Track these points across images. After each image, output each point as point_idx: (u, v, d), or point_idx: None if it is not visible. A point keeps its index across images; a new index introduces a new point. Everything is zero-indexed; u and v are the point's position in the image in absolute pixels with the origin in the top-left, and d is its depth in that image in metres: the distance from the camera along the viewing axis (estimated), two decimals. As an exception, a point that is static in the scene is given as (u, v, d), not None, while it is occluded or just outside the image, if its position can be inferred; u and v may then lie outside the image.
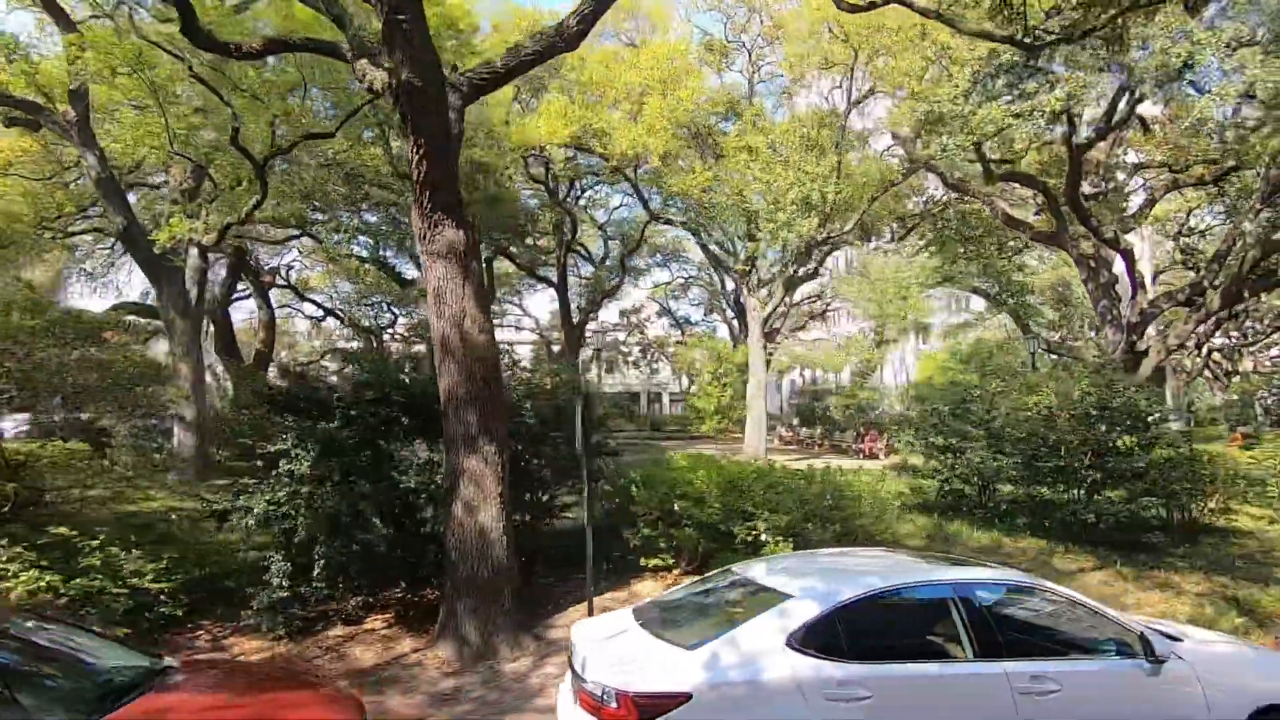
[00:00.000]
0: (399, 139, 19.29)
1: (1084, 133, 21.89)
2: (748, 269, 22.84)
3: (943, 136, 12.23)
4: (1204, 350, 41.23)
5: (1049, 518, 9.09)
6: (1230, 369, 47.18)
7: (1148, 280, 34.88)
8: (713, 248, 25.35)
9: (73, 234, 22.24)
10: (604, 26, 25.62)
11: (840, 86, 23.64)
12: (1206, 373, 49.28)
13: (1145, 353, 20.14)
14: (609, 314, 51.31)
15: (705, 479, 7.36)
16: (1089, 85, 10.24)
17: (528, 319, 51.98)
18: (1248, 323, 44.64)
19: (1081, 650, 3.51)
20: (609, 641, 3.43)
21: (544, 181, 26.71)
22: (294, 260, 37.89)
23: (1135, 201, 29.02)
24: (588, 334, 51.10)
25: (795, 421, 35.13)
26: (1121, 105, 16.14)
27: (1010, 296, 24.47)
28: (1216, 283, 19.47)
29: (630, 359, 54.67)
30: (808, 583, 3.52)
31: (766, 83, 26.32)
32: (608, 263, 32.77)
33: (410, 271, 28.61)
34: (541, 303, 47.56)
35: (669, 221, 25.64)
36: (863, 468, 12.17)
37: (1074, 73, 10.13)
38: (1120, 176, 21.83)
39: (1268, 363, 45.02)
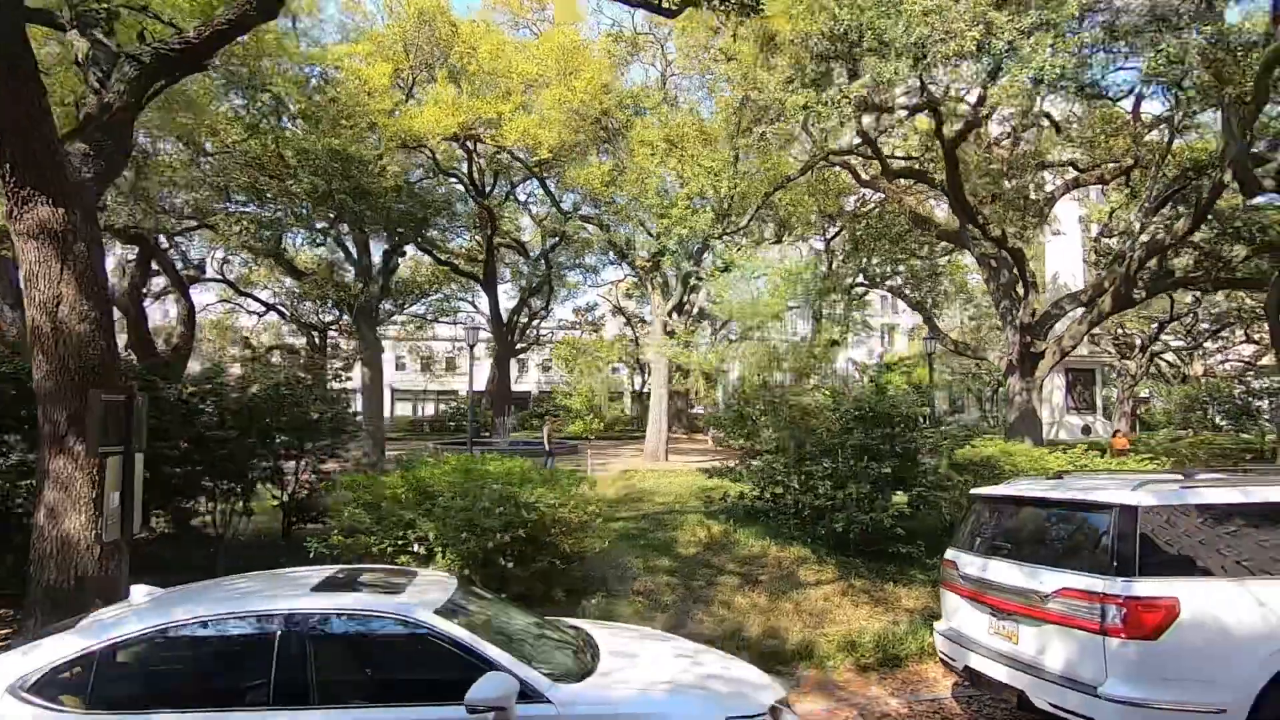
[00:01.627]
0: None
1: (1001, 130, 21.52)
2: (648, 266, 22.33)
3: (760, 124, 11.69)
4: (1147, 353, 40.99)
5: (821, 524, 8.60)
6: (1183, 372, 46.97)
7: (1082, 282, 34.53)
8: (622, 245, 24.82)
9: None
10: (514, 19, 25.08)
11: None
12: (1154, 374, 49.05)
13: (1042, 354, 19.70)
14: (564, 311, 50.65)
15: (395, 483, 6.83)
16: (898, 72, 9.71)
17: (480, 316, 51.27)
18: (1202, 324, 44.52)
19: (424, 697, 2.97)
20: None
21: (459, 174, 26.18)
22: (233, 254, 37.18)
23: (1063, 201, 28.65)
24: (543, 332, 50.45)
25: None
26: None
27: (926, 296, 24.07)
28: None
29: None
30: (115, 613, 2.99)
31: (684, 77, 25.79)
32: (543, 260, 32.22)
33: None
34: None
35: (569, 215, 25.12)
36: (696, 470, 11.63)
37: (879, 59, 9.63)
38: (1028, 176, 21.36)
39: (1224, 366, 44.76)
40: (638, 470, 17.69)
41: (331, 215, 17.71)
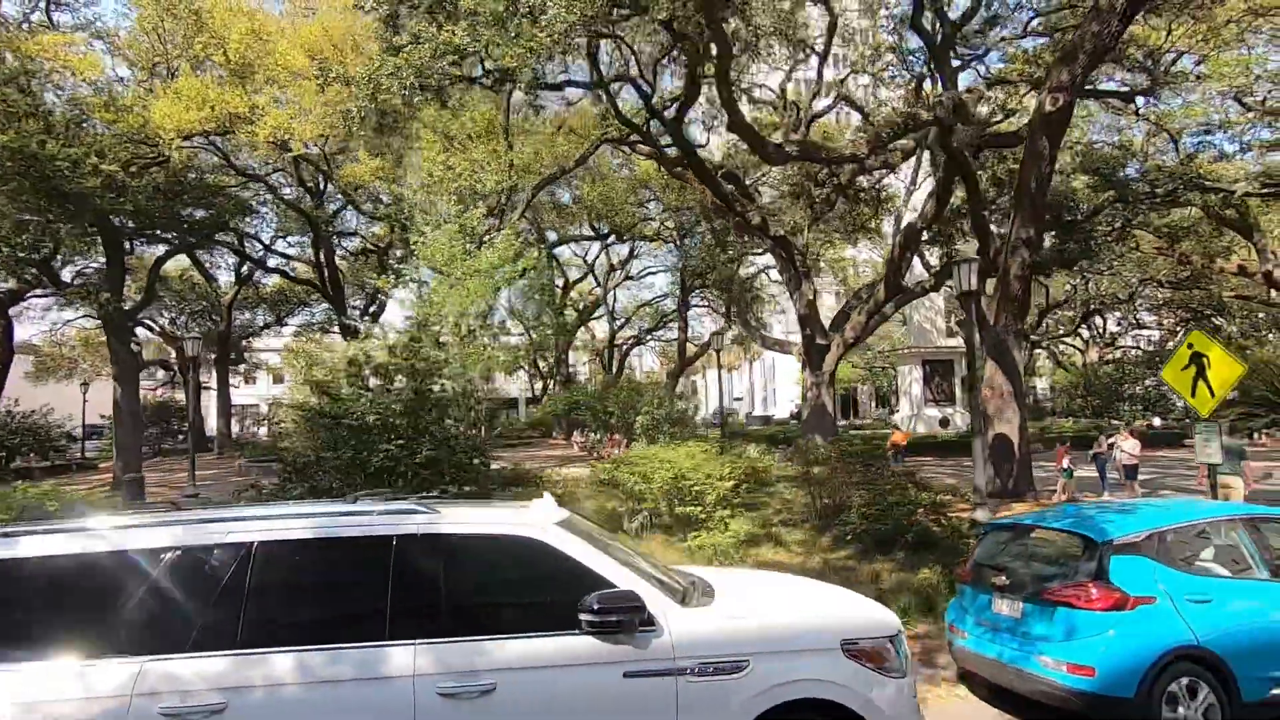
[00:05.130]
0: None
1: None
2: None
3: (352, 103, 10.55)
4: (1028, 342, 40.87)
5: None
6: (1079, 360, 46.94)
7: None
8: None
9: None
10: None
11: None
12: (1062, 363, 48.86)
13: (828, 347, 18.87)
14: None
15: None
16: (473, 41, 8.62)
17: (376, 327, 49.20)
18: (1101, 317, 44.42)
19: None
20: None
21: (253, 175, 24.70)
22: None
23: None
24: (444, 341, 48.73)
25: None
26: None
27: (739, 293, 23.23)
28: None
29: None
30: None
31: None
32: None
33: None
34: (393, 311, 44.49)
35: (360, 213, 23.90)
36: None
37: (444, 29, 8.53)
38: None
39: (1136, 352, 44.61)
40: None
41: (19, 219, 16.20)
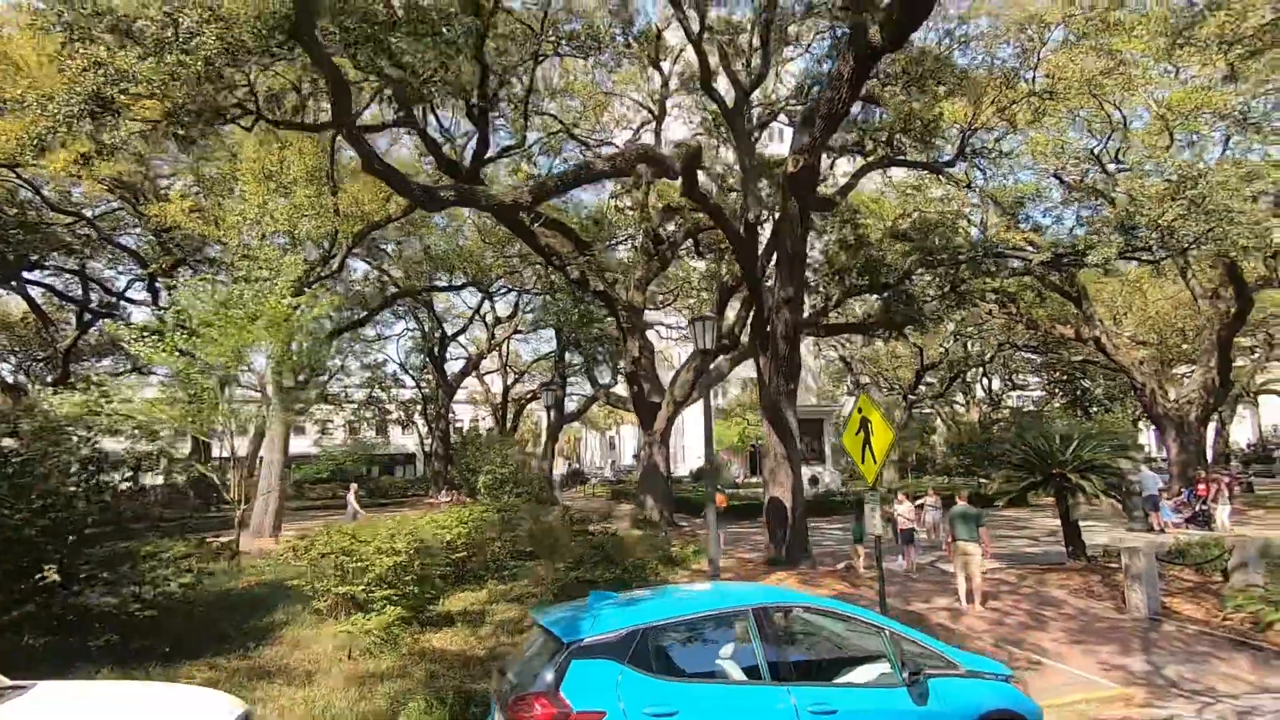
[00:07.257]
0: None
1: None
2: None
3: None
4: (906, 400, 41.94)
5: None
6: (956, 420, 48.44)
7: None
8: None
9: None
10: None
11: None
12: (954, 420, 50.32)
13: (659, 405, 18.42)
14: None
15: None
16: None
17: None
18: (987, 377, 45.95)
19: None
20: None
21: (70, 210, 22.89)
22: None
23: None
24: (335, 393, 46.12)
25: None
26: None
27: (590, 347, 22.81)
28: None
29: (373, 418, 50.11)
30: None
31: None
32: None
33: None
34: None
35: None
36: None
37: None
38: (655, 222, 20.63)
39: (1005, 412, 46.23)
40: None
41: None
